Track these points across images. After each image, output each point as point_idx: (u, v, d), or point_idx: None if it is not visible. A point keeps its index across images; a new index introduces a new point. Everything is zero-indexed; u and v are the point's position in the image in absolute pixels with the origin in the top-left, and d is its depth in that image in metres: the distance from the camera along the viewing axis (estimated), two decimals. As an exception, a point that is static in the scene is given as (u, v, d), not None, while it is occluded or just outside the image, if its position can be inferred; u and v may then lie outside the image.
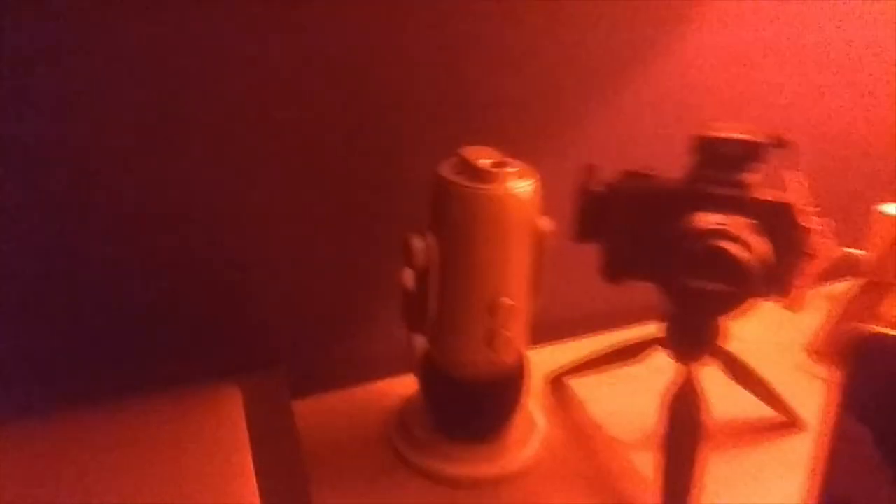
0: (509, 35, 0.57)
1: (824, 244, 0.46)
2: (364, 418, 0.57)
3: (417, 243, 0.46)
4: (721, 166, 0.46)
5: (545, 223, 0.49)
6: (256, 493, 0.42)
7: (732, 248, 0.42)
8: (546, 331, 0.65)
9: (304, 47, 0.51)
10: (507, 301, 0.47)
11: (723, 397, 0.53)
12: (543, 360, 0.63)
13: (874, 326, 0.41)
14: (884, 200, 0.66)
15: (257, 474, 0.44)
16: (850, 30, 0.72)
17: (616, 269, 0.50)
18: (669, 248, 0.44)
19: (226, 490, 0.42)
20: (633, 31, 0.61)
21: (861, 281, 0.67)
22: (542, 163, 0.48)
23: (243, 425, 0.45)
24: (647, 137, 0.65)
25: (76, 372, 0.51)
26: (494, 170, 0.45)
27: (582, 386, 0.62)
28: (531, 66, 0.58)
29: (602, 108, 0.62)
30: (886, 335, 0.40)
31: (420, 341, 0.53)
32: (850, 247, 0.66)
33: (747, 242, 0.42)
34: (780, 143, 0.45)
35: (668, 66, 0.64)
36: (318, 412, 0.57)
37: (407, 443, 0.54)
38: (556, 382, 0.63)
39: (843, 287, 0.68)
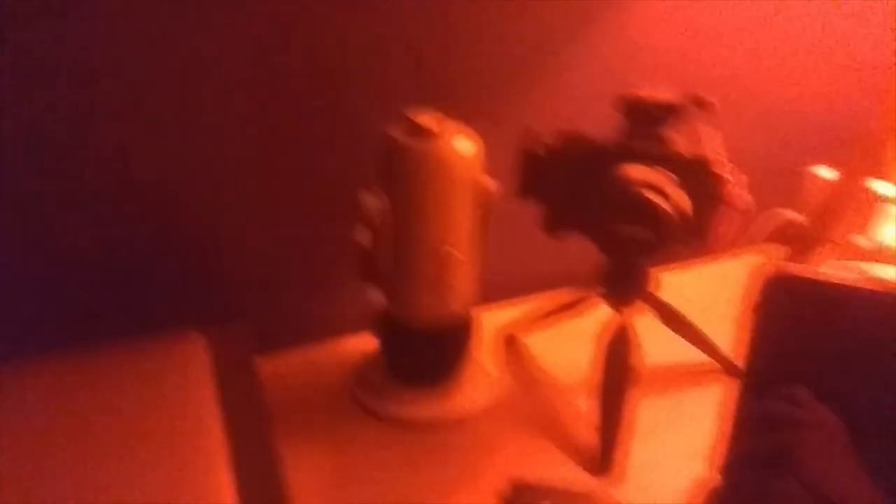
0: (456, 4, 0.60)
1: (739, 194, 0.50)
2: (326, 372, 0.61)
3: (369, 199, 0.50)
4: (645, 124, 0.50)
5: (488, 182, 0.53)
6: (223, 438, 0.45)
7: (652, 195, 0.46)
8: (501, 291, 0.70)
9: (262, 14, 0.54)
10: (452, 251, 0.51)
11: (658, 344, 0.58)
12: (499, 318, 0.67)
13: (785, 265, 0.45)
14: (817, 163, 0.71)
15: (223, 419, 0.47)
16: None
17: (554, 223, 0.54)
18: (598, 200, 0.48)
19: (192, 432, 0.45)
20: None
21: (795, 241, 0.71)
22: (486, 127, 0.52)
23: (208, 370, 0.48)
24: (584, 101, 0.68)
25: (47, 320, 0.55)
26: (438, 130, 0.49)
27: (534, 341, 0.67)
28: (477, 34, 0.62)
29: (543, 75, 0.66)
30: (796, 275, 0.45)
31: (376, 295, 0.57)
32: (784, 208, 0.71)
33: (666, 192, 0.47)
34: (698, 103, 0.50)
35: (605, 34, 0.68)
36: (281, 367, 0.61)
37: (365, 390, 0.58)
38: (510, 338, 0.67)
39: (778, 247, 0.72)
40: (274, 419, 0.50)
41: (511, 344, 0.67)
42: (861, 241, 0.67)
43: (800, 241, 0.71)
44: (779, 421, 0.41)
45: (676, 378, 0.62)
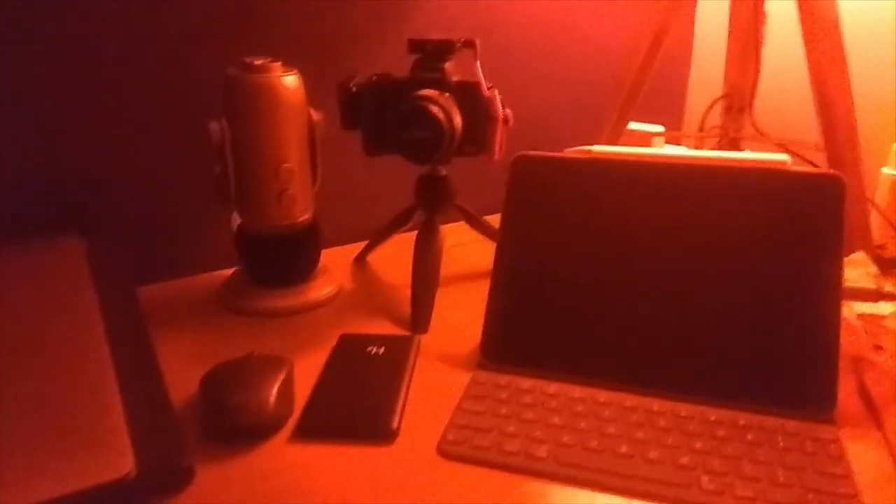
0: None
1: (504, 111, 0.66)
2: (197, 293, 0.73)
3: (213, 125, 0.63)
4: (429, 61, 0.65)
5: (315, 114, 0.67)
6: (102, 327, 0.55)
7: (426, 104, 0.61)
8: (354, 235, 0.84)
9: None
10: (288, 165, 0.65)
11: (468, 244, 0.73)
12: (353, 251, 0.81)
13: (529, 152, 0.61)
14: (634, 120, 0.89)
15: (101, 310, 0.57)
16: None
17: (372, 146, 0.69)
18: (396, 117, 0.63)
19: (73, 323, 0.55)
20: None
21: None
22: (313, 70, 0.67)
23: (88, 269, 0.59)
24: (389, 47, 0.84)
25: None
26: (267, 65, 0.63)
27: (375, 257, 0.81)
28: None
29: (357, 25, 0.81)
30: (533, 155, 0.61)
31: (235, 218, 0.70)
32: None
33: (440, 103, 0.62)
34: (467, 44, 0.66)
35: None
36: (157, 293, 0.72)
37: (230, 294, 0.70)
38: (359, 260, 0.81)
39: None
40: (149, 321, 0.60)
41: (357, 262, 0.81)
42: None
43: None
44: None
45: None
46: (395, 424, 0.50)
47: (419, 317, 0.66)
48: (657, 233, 0.57)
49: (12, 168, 0.68)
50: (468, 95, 0.65)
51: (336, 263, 0.78)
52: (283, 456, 0.49)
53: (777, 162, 0.56)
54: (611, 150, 0.61)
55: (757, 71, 0.85)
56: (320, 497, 0.45)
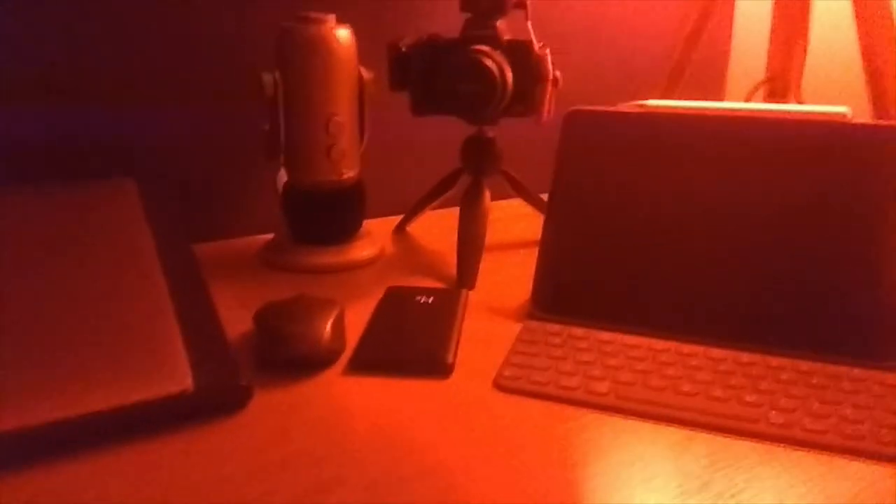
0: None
1: (554, 72, 0.66)
2: (238, 253, 0.73)
3: (266, 77, 0.64)
4: (481, 18, 0.66)
5: (366, 73, 0.68)
6: (160, 269, 0.55)
7: (483, 57, 0.61)
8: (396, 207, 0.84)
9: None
10: (339, 118, 0.65)
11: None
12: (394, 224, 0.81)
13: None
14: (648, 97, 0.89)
15: (156, 247, 0.57)
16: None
17: (420, 107, 0.69)
18: (446, 72, 0.63)
19: (130, 256, 0.56)
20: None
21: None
22: (366, 31, 0.67)
23: (142, 210, 0.60)
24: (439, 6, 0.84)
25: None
26: (321, 18, 0.63)
27: (416, 225, 0.81)
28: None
29: None
30: (586, 110, 0.60)
31: (282, 175, 0.70)
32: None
33: (493, 58, 0.62)
34: (520, 3, 0.66)
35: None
36: (198, 251, 0.72)
37: (273, 252, 0.70)
38: (399, 230, 0.81)
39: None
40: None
41: (398, 232, 0.80)
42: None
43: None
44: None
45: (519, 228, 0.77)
46: (450, 359, 0.50)
47: (466, 273, 0.65)
48: (713, 186, 0.56)
49: (71, 114, 0.69)
50: (519, 54, 0.65)
51: (377, 231, 0.78)
52: (337, 386, 0.48)
53: (837, 114, 0.55)
54: (666, 104, 0.60)
55: (803, 54, 0.84)
56: (375, 425, 0.44)
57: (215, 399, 0.43)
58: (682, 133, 0.58)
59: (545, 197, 0.62)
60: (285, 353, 0.48)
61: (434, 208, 0.79)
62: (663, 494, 0.38)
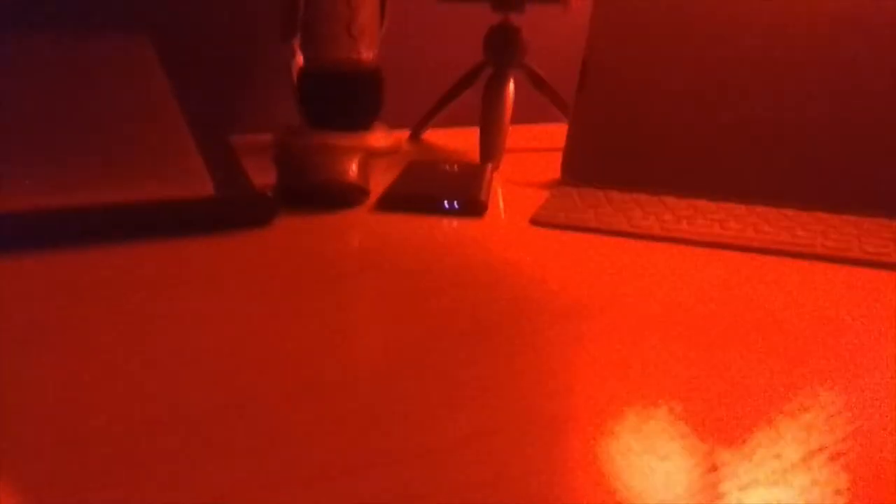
0: None
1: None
2: (252, 145, 0.70)
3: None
4: None
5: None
6: (178, 107, 0.51)
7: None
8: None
9: None
10: (360, -7, 0.63)
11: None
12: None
13: None
14: None
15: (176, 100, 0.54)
16: None
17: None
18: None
19: (147, 98, 0.52)
20: None
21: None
22: None
23: (158, 64, 0.57)
24: None
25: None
26: None
27: (436, 138, 0.78)
28: None
29: None
30: None
31: (299, 57, 0.67)
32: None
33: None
34: None
35: None
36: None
37: (285, 136, 0.67)
38: (415, 136, 0.78)
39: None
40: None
41: (414, 137, 0.78)
42: None
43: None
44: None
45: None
46: (483, 196, 0.47)
47: (490, 149, 0.63)
48: (754, 48, 0.54)
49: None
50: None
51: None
52: (364, 221, 0.45)
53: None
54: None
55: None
56: (402, 258, 0.41)
57: (238, 208, 0.41)
58: None
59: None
60: (312, 180, 0.45)
61: (451, 113, 0.77)
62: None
